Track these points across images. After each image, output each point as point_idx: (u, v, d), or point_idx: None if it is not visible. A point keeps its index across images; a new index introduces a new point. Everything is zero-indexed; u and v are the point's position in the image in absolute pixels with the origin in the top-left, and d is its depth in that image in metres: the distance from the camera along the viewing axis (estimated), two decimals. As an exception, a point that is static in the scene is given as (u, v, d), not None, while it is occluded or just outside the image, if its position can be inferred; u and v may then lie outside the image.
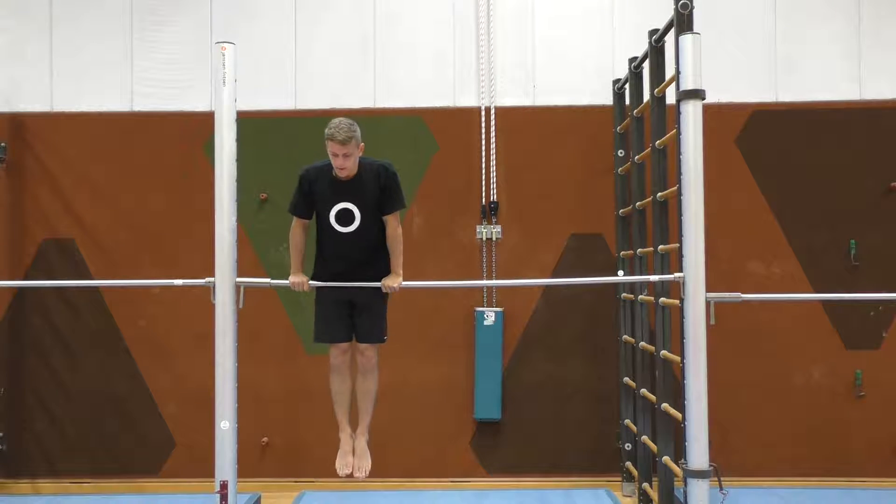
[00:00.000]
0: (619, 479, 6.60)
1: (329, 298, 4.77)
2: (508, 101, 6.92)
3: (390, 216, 4.69)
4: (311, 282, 4.75)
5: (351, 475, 4.88)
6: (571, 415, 6.83)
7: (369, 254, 4.72)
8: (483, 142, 6.86)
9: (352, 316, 4.79)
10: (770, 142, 6.79)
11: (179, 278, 5.18)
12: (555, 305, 6.83)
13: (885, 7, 6.87)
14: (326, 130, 4.48)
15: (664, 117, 5.47)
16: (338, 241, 4.67)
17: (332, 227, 4.64)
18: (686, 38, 4.73)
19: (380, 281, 4.71)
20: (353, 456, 4.90)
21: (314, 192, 4.66)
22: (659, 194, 5.43)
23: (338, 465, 4.90)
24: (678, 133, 4.78)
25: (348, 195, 4.62)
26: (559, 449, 6.82)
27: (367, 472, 4.89)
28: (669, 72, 5.14)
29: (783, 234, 6.77)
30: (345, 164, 4.53)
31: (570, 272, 6.76)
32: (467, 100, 6.93)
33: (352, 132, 4.47)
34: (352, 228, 4.63)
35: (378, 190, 4.64)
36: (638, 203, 6.09)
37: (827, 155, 6.77)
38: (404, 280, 4.75)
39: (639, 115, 6.14)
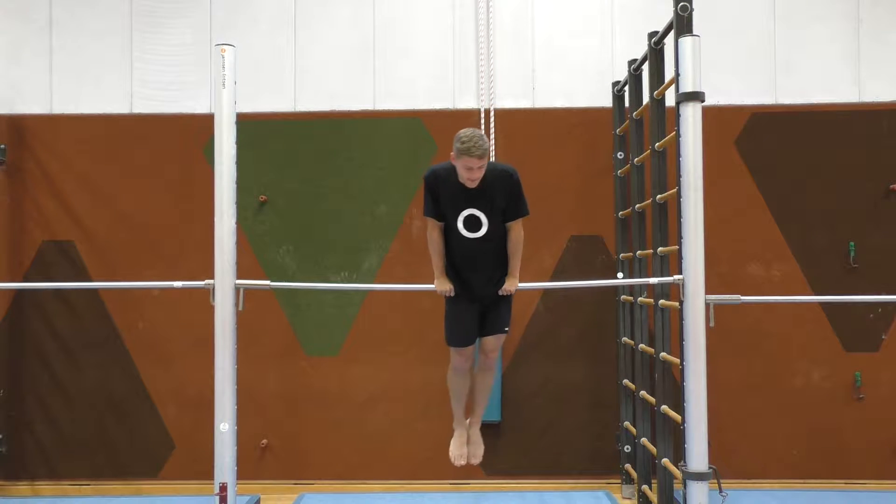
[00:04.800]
0: (619, 481, 6.59)
1: (460, 303, 4.77)
2: (508, 104, 6.93)
3: (515, 222, 4.70)
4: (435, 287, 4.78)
5: (466, 464, 5.02)
6: (571, 417, 6.83)
7: (494, 258, 4.72)
8: (482, 144, 6.86)
9: (481, 315, 4.82)
10: (769, 144, 6.80)
11: (179, 280, 5.18)
12: (554, 307, 6.83)
13: (885, 9, 6.88)
14: (459, 145, 4.39)
15: (663, 119, 5.48)
16: (465, 247, 4.67)
17: (460, 233, 4.64)
18: (685, 41, 4.73)
19: (503, 282, 4.76)
20: (468, 444, 5.01)
21: (441, 197, 4.64)
22: (658, 196, 5.43)
23: (453, 455, 5.01)
24: (677, 135, 4.78)
25: (476, 201, 4.59)
26: (558, 451, 6.82)
27: (481, 459, 5.07)
28: (669, 74, 5.15)
29: (782, 236, 6.77)
30: (478, 176, 4.50)
31: (570, 274, 6.77)
32: (467, 102, 6.94)
33: (486, 145, 4.42)
34: (479, 234, 4.63)
35: (505, 196, 4.62)
36: (637, 205, 6.09)
37: (826, 157, 6.77)
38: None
39: (638, 118, 6.14)
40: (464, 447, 5.01)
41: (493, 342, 4.87)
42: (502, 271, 4.77)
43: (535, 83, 6.96)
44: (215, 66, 4.79)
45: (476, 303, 4.79)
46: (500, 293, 4.76)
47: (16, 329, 6.85)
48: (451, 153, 4.48)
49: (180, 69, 6.93)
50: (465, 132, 4.43)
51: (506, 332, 4.88)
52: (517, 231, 4.72)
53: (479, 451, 5.05)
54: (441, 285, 4.76)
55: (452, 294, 4.74)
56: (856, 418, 6.69)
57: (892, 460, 6.67)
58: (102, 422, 6.84)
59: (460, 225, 4.63)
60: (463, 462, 4.99)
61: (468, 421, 5.06)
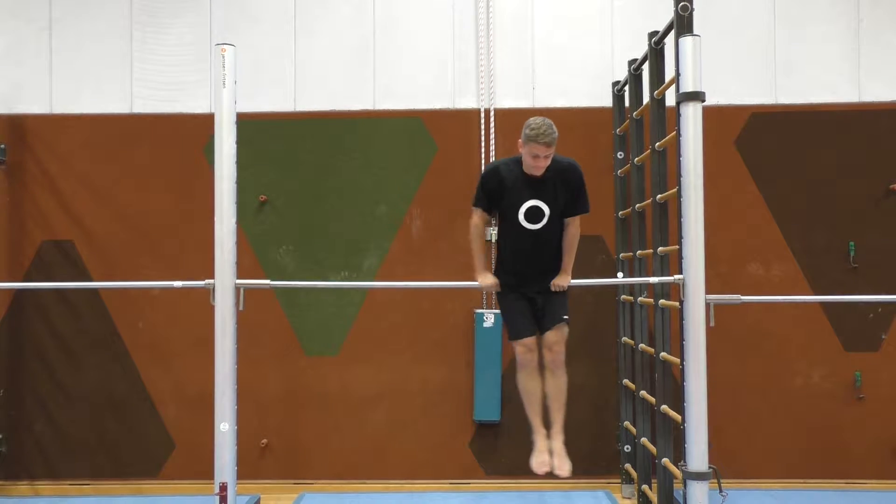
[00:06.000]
0: (619, 480, 6.60)
1: (514, 296, 4.77)
2: (508, 103, 6.92)
3: (575, 217, 4.71)
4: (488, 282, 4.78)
5: (550, 473, 4.78)
6: (570, 416, 6.71)
7: (551, 250, 4.74)
8: (483, 143, 6.87)
9: (535, 310, 4.78)
10: (769, 144, 6.80)
11: (179, 280, 5.18)
12: (554, 307, 6.82)
13: (884, 9, 6.88)
14: (528, 132, 4.45)
15: (664, 119, 5.48)
16: (524, 239, 4.67)
17: (520, 225, 4.64)
18: (686, 41, 4.74)
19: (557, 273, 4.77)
20: (551, 456, 4.78)
21: (503, 189, 4.65)
22: (658, 196, 5.43)
23: (534, 463, 4.78)
24: (678, 135, 4.79)
25: (538, 192, 4.62)
26: (558, 451, 6.80)
27: (568, 472, 4.77)
28: (669, 74, 5.15)
29: (782, 235, 6.77)
30: (544, 165, 4.54)
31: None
32: (467, 101, 6.93)
33: (555, 134, 4.47)
34: (540, 226, 4.64)
35: (567, 189, 4.64)
36: (637, 205, 6.09)
37: (826, 157, 6.77)
38: (406, 281, 4.82)
39: (638, 117, 6.14)
40: (544, 456, 4.77)
41: (554, 336, 4.75)
42: (556, 265, 4.77)
43: (535, 83, 6.96)
44: (215, 65, 4.79)
45: (529, 298, 4.75)
46: (552, 288, 4.75)
47: (16, 329, 6.84)
48: (519, 140, 4.53)
49: (180, 69, 6.93)
50: (535, 120, 4.48)
51: (565, 320, 4.77)
52: (576, 226, 4.74)
53: (564, 464, 4.76)
54: (484, 280, 4.76)
55: (498, 290, 4.74)
56: (856, 418, 6.69)
57: (892, 460, 6.67)
58: (102, 422, 6.83)
59: (521, 216, 4.63)
60: (546, 469, 4.76)
61: (550, 432, 4.82)
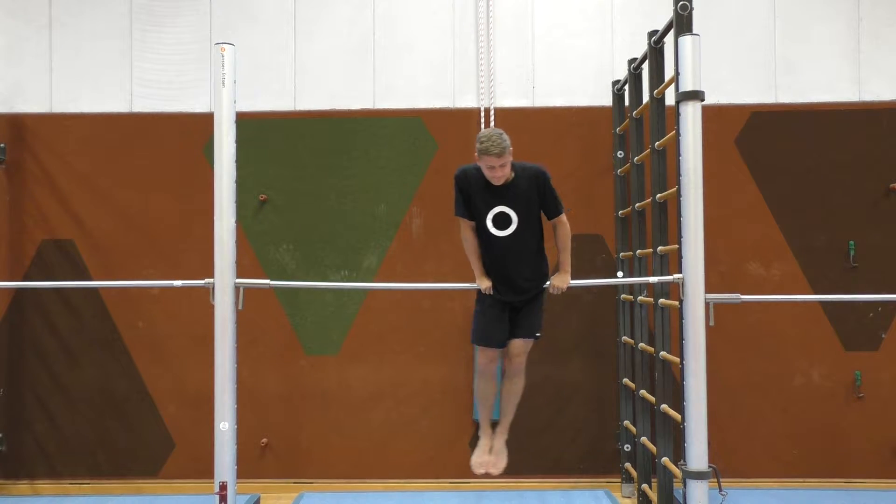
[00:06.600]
0: (619, 480, 6.60)
1: (490, 301, 4.78)
2: (508, 102, 6.92)
3: (558, 218, 4.76)
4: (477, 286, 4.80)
5: (487, 474, 4.96)
6: (570, 416, 6.83)
7: (525, 256, 4.74)
8: (482, 143, 6.85)
9: (510, 318, 4.81)
10: (769, 143, 6.80)
11: (179, 279, 5.18)
12: (554, 306, 6.80)
13: (885, 8, 6.88)
14: (479, 145, 4.50)
15: (663, 118, 5.48)
16: (494, 245, 4.70)
17: (489, 232, 4.68)
18: (685, 40, 4.74)
19: (536, 281, 4.78)
20: (490, 454, 4.96)
21: (470, 195, 4.69)
22: (658, 195, 5.44)
23: (474, 463, 4.97)
24: (677, 134, 4.79)
25: (504, 199, 4.65)
26: (558, 450, 6.81)
27: (502, 471, 4.98)
28: (669, 73, 5.15)
29: (782, 235, 6.77)
30: (502, 174, 4.57)
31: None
32: (467, 101, 6.93)
33: (505, 143, 4.50)
34: (508, 232, 4.67)
35: (536, 195, 4.67)
36: (637, 204, 6.09)
37: (826, 156, 6.77)
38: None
39: (638, 117, 6.14)
40: (485, 455, 4.95)
41: (520, 346, 4.84)
42: (534, 272, 4.77)
43: (535, 82, 6.96)
44: (215, 64, 4.79)
45: (506, 303, 4.78)
46: (551, 290, 4.77)
47: (16, 328, 6.84)
48: (475, 153, 4.56)
49: (180, 68, 6.93)
50: (484, 132, 4.54)
51: (537, 337, 4.87)
52: (562, 226, 4.77)
53: (500, 462, 4.96)
54: (483, 282, 4.76)
55: (491, 292, 4.75)
56: (856, 417, 6.69)
57: (892, 460, 6.67)
58: (102, 421, 6.84)
59: (489, 223, 4.66)
60: (482, 471, 4.94)
61: (495, 431, 5.00)
